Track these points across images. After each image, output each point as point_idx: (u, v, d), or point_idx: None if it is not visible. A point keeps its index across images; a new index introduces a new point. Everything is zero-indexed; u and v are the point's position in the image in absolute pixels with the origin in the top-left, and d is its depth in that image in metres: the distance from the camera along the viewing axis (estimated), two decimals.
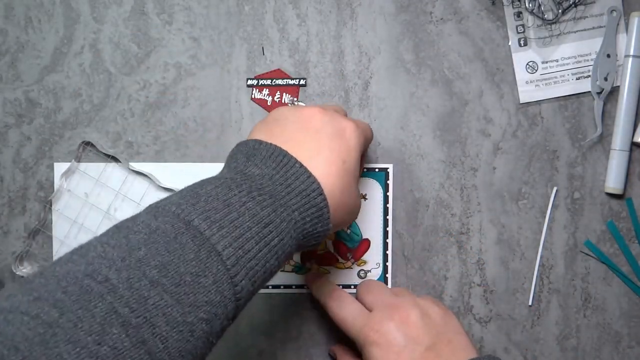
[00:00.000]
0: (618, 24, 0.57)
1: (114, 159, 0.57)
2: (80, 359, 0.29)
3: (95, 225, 0.57)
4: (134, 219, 0.37)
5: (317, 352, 0.58)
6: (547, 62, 0.57)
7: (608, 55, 0.56)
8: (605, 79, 0.56)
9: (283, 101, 0.58)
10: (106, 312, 0.31)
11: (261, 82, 0.58)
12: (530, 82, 0.57)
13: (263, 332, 0.58)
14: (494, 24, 0.58)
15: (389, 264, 0.57)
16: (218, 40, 0.58)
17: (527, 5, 0.57)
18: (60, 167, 0.57)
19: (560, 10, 0.57)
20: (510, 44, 0.57)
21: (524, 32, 0.57)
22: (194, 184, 0.41)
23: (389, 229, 0.57)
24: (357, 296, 0.53)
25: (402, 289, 0.55)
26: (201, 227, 0.37)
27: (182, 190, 0.40)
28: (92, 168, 0.58)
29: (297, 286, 0.58)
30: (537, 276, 0.57)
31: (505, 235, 0.58)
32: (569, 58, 0.57)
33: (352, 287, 0.57)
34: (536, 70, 0.57)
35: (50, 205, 0.57)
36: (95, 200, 0.57)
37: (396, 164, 0.58)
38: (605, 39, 0.57)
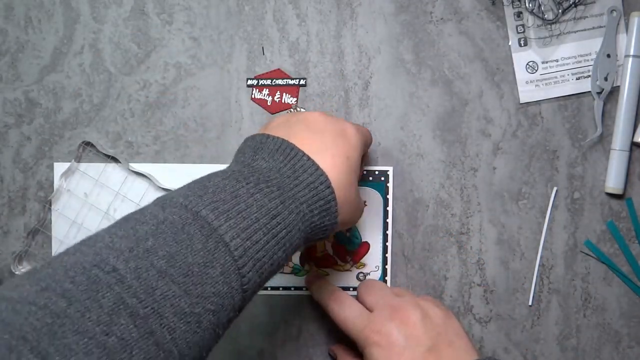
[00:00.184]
0: (618, 24, 0.57)
1: (114, 159, 0.57)
2: (88, 350, 0.29)
3: (95, 226, 0.57)
4: (142, 210, 0.37)
5: (317, 352, 0.58)
6: (547, 62, 0.57)
7: (608, 55, 0.56)
8: (605, 79, 0.56)
9: (283, 101, 0.58)
10: (114, 303, 0.31)
11: (261, 82, 0.58)
12: (530, 82, 0.57)
13: (263, 332, 0.58)
14: (494, 24, 0.58)
15: (388, 267, 0.57)
16: (218, 40, 0.58)
17: (527, 5, 0.57)
18: (60, 167, 0.57)
19: (560, 10, 0.57)
20: (510, 44, 0.57)
21: (524, 32, 0.57)
22: (202, 177, 0.41)
23: (389, 232, 0.57)
24: (358, 296, 0.53)
25: (403, 289, 0.55)
26: (209, 217, 0.37)
27: (190, 183, 0.40)
28: (92, 168, 0.58)
29: (296, 288, 0.58)
30: (537, 276, 0.57)
31: (505, 235, 0.58)
32: (569, 58, 0.57)
33: (352, 289, 0.57)
34: (536, 70, 0.57)
35: (50, 205, 0.57)
36: (94, 201, 0.57)
37: (396, 165, 0.58)
38: (605, 39, 0.57)
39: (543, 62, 0.57)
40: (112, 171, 0.58)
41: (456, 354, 0.47)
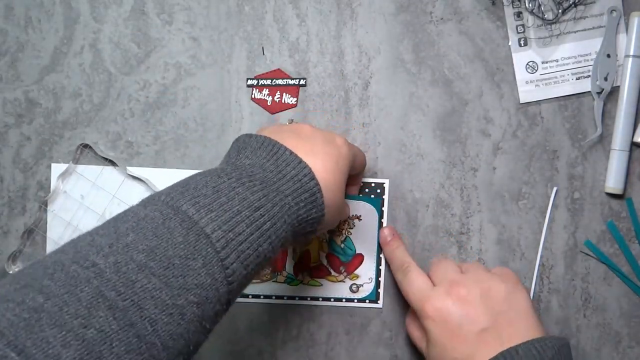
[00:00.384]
0: (618, 24, 0.57)
1: (112, 162, 0.57)
2: (66, 342, 0.29)
3: (90, 228, 0.57)
4: (125, 210, 0.38)
5: (316, 352, 0.58)
6: (547, 62, 0.57)
7: (608, 55, 0.56)
8: (605, 79, 0.56)
9: (283, 101, 0.58)
10: (92, 296, 0.31)
11: (261, 82, 0.58)
12: (530, 82, 0.57)
13: (263, 332, 0.58)
14: (494, 24, 0.58)
15: (382, 279, 0.57)
16: (218, 40, 0.58)
17: (527, 5, 0.57)
18: (57, 168, 0.57)
19: (560, 10, 0.57)
20: (510, 44, 0.57)
21: (524, 32, 0.57)
22: (186, 177, 0.41)
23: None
24: (428, 271, 0.52)
25: (475, 264, 0.52)
26: (189, 211, 0.37)
27: (174, 183, 0.40)
28: (89, 171, 0.58)
29: (289, 297, 0.58)
30: (537, 276, 0.57)
31: (505, 235, 0.58)
32: (569, 58, 0.57)
33: (344, 300, 0.57)
34: (536, 70, 0.57)
35: (46, 206, 0.57)
36: (90, 203, 0.57)
37: (393, 179, 0.58)
38: (605, 39, 0.57)
39: (543, 62, 0.57)
40: (110, 174, 0.58)
41: (517, 333, 0.46)
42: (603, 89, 0.56)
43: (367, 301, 0.57)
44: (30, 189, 0.58)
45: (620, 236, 0.57)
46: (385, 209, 0.57)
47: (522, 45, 0.57)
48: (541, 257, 0.57)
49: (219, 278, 0.36)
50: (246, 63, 0.58)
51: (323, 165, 0.44)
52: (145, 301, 0.33)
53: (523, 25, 0.57)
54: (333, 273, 0.57)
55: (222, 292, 0.37)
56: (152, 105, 0.58)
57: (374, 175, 0.58)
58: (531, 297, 0.57)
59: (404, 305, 0.57)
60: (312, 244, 0.57)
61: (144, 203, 0.38)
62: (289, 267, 0.57)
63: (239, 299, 0.58)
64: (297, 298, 0.57)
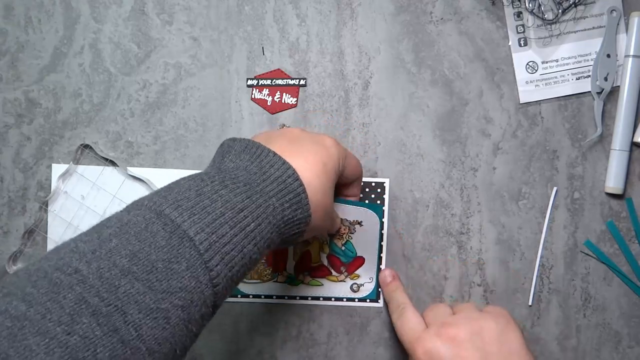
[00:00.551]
0: (618, 24, 0.57)
1: (112, 162, 0.57)
2: (50, 350, 0.29)
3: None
4: (109, 216, 0.38)
5: (316, 352, 0.58)
6: (547, 62, 0.57)
7: (608, 55, 0.56)
8: (605, 79, 0.56)
9: (283, 101, 0.58)
10: (75, 303, 0.31)
11: (261, 82, 0.58)
12: (530, 82, 0.57)
13: (263, 332, 0.58)
14: (494, 24, 0.58)
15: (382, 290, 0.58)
16: (218, 40, 0.58)
17: (527, 5, 0.57)
18: (58, 169, 0.57)
19: (560, 10, 0.57)
20: (510, 44, 0.57)
21: (524, 32, 0.57)
22: (171, 182, 0.41)
23: (383, 254, 0.57)
24: (423, 313, 0.52)
25: (468, 304, 0.52)
26: (172, 215, 0.37)
27: (158, 189, 0.40)
28: (90, 171, 0.58)
29: (290, 297, 0.58)
30: (537, 276, 0.57)
31: (505, 235, 0.58)
32: (569, 58, 0.57)
33: (345, 299, 0.57)
34: (536, 70, 0.57)
35: (47, 206, 0.57)
36: (91, 203, 0.57)
37: (393, 179, 0.58)
38: (605, 39, 0.57)
39: (543, 62, 0.57)
40: (110, 174, 0.58)
41: None
42: (603, 89, 0.56)
43: (368, 300, 0.57)
44: (30, 189, 0.58)
45: (620, 236, 0.57)
46: (385, 208, 0.57)
47: (522, 45, 0.57)
48: (541, 257, 0.57)
49: (204, 281, 0.36)
50: (246, 63, 0.58)
51: (309, 166, 0.44)
52: (129, 306, 0.32)
53: (523, 25, 0.57)
54: (334, 273, 0.57)
55: (207, 295, 0.37)
56: (152, 105, 0.58)
57: (374, 175, 0.58)
58: (531, 297, 0.57)
59: (412, 289, 0.57)
60: (312, 244, 0.57)
61: (128, 208, 0.38)
62: (289, 267, 0.57)
63: (239, 299, 0.58)
64: (297, 298, 0.57)
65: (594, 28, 0.57)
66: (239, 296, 0.58)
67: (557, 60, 0.57)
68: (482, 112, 0.58)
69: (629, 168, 0.57)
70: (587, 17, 0.57)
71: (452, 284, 0.58)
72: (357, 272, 0.57)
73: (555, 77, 0.57)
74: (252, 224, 0.40)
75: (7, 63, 0.58)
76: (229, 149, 0.44)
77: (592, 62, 0.57)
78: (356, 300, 0.57)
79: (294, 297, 0.57)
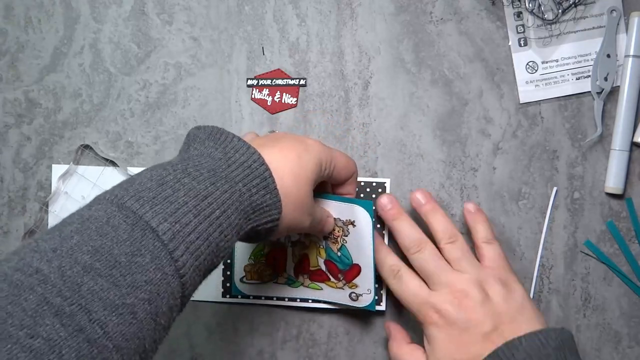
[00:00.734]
0: (618, 24, 0.57)
1: (112, 162, 0.57)
2: (13, 355, 0.29)
3: None
4: (71, 213, 0.37)
5: (316, 352, 0.58)
6: (547, 62, 0.57)
7: (608, 55, 0.56)
8: (605, 79, 0.56)
9: (283, 101, 0.58)
10: (37, 304, 0.31)
11: (261, 82, 0.58)
12: (530, 82, 0.57)
13: (263, 332, 0.58)
14: (494, 24, 0.58)
15: (384, 292, 0.56)
16: (218, 40, 0.58)
17: (527, 5, 0.57)
18: (58, 169, 0.57)
19: (560, 10, 0.57)
20: (510, 44, 0.57)
21: (524, 32, 0.57)
22: (134, 174, 0.40)
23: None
24: (414, 264, 0.52)
25: (466, 257, 0.51)
26: (133, 207, 0.36)
27: (121, 181, 0.40)
28: (90, 171, 0.58)
29: (290, 299, 0.57)
30: (537, 276, 0.57)
31: (505, 235, 0.58)
32: (569, 58, 0.57)
33: (345, 306, 0.56)
34: (536, 70, 0.57)
35: (47, 207, 0.57)
36: None
37: (393, 179, 0.58)
38: (605, 39, 0.57)
39: (543, 62, 0.57)
40: (110, 174, 0.58)
41: (519, 329, 0.47)
42: (603, 89, 0.56)
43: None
44: (30, 189, 0.58)
45: (620, 236, 0.57)
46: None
47: (522, 45, 0.57)
48: (541, 257, 0.57)
49: (169, 272, 0.36)
50: (246, 63, 0.58)
51: (280, 155, 0.44)
52: (93, 304, 0.32)
53: (523, 25, 0.57)
54: (332, 279, 0.56)
55: (174, 286, 0.36)
56: (152, 105, 0.58)
57: (374, 175, 0.58)
58: (531, 297, 0.57)
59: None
60: (310, 248, 0.56)
61: (90, 204, 0.37)
62: (289, 268, 0.57)
63: (240, 300, 0.58)
64: (298, 300, 0.57)
65: (594, 28, 0.57)
66: (239, 296, 0.58)
67: (557, 60, 0.57)
68: (482, 112, 0.58)
69: (629, 168, 0.57)
70: (587, 17, 0.57)
71: None
72: (354, 281, 0.54)
73: (555, 77, 0.57)
74: (217, 211, 0.39)
75: (7, 63, 0.58)
76: (194, 137, 0.44)
77: (592, 62, 0.57)
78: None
79: (295, 299, 0.57)
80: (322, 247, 0.55)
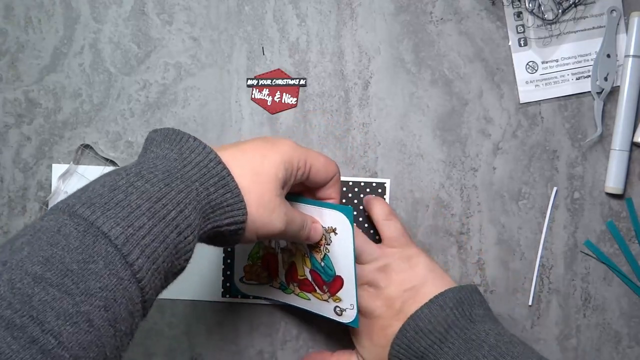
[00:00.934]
0: (618, 24, 0.57)
1: (112, 162, 0.57)
2: None
3: None
4: (25, 226, 0.37)
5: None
6: (547, 62, 0.57)
7: (608, 55, 0.56)
8: (605, 79, 0.56)
9: (283, 101, 0.58)
10: None
11: (261, 82, 0.58)
12: (530, 82, 0.57)
13: (263, 332, 0.58)
14: (494, 24, 0.58)
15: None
16: (218, 40, 0.58)
17: (527, 5, 0.57)
18: (58, 169, 0.57)
19: (560, 10, 0.57)
20: (510, 44, 0.57)
21: (524, 32, 0.57)
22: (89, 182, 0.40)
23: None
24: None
25: (362, 249, 0.53)
26: (84, 213, 0.35)
27: (75, 191, 0.39)
28: (90, 171, 0.58)
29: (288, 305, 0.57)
30: (537, 276, 0.57)
31: (505, 235, 0.58)
32: (569, 58, 0.57)
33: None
34: (536, 70, 0.57)
35: (47, 206, 0.57)
36: None
37: (393, 179, 0.58)
38: (605, 39, 0.57)
39: (543, 62, 0.57)
40: None
41: (425, 299, 0.49)
42: (603, 89, 0.56)
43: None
44: (30, 189, 0.58)
45: (620, 236, 0.57)
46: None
47: (522, 45, 0.57)
48: (541, 257, 0.57)
49: (125, 276, 0.35)
50: (246, 63, 0.58)
51: (242, 154, 0.43)
52: (46, 314, 0.31)
53: (523, 25, 0.57)
54: (318, 290, 0.53)
55: (132, 291, 0.35)
56: (152, 105, 0.58)
57: (374, 175, 0.58)
58: (531, 297, 0.57)
59: None
60: (296, 256, 0.53)
61: (43, 215, 0.37)
62: (281, 274, 0.55)
63: (240, 300, 0.58)
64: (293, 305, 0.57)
65: (594, 28, 0.57)
66: (239, 296, 0.58)
67: (557, 60, 0.57)
68: (482, 112, 0.58)
69: (629, 168, 0.57)
70: (587, 17, 0.57)
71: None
72: (338, 294, 0.52)
73: (555, 77, 0.57)
74: (173, 212, 0.38)
75: (7, 63, 0.58)
76: (152, 140, 0.43)
77: (592, 62, 0.57)
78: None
79: (290, 306, 0.57)
80: (307, 256, 0.53)
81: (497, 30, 0.58)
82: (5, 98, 0.58)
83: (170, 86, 0.58)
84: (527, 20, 0.57)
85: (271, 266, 0.56)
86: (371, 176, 0.58)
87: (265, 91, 0.58)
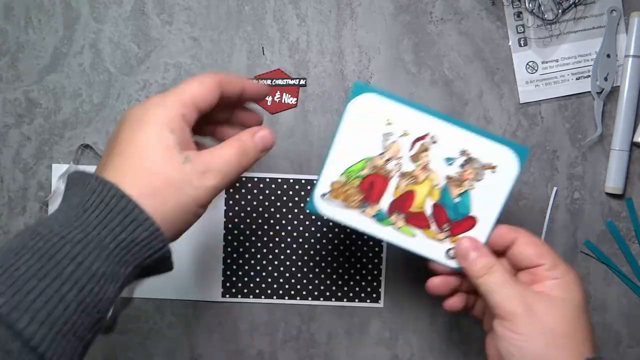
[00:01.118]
0: (618, 24, 0.57)
1: None
2: None
3: None
4: None
5: (317, 352, 0.58)
6: (547, 62, 0.57)
7: (608, 55, 0.56)
8: (605, 79, 0.56)
9: (283, 101, 0.58)
10: None
11: (261, 82, 0.58)
12: (530, 82, 0.57)
13: (263, 332, 0.58)
14: (494, 24, 0.58)
15: (382, 278, 0.54)
16: (218, 40, 0.58)
17: (527, 5, 0.57)
18: (58, 169, 0.57)
19: (560, 10, 0.57)
20: (510, 44, 0.57)
21: (524, 32, 0.57)
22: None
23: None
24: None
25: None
26: None
27: None
28: (90, 170, 0.58)
29: (290, 297, 0.57)
30: None
31: None
32: (569, 58, 0.57)
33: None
34: (536, 70, 0.57)
35: (47, 206, 0.57)
36: None
37: None
38: (605, 39, 0.57)
39: (543, 62, 0.57)
40: None
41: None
42: (603, 89, 0.56)
43: (368, 301, 0.53)
44: (30, 189, 0.58)
45: (620, 236, 0.57)
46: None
47: (522, 45, 0.57)
48: None
49: (15, 348, 0.32)
50: (246, 63, 0.58)
51: (128, 158, 0.38)
52: None
53: (523, 25, 0.57)
54: (433, 228, 0.46)
55: None
56: None
57: None
58: None
59: (412, 289, 0.57)
60: (422, 184, 0.46)
61: None
62: (384, 201, 0.46)
63: (240, 300, 0.58)
64: (297, 298, 0.57)
65: (594, 28, 0.57)
66: (239, 296, 0.58)
67: (557, 60, 0.57)
68: (482, 112, 0.58)
69: (629, 168, 0.57)
70: (587, 17, 0.57)
71: None
72: (461, 235, 0.46)
73: (555, 77, 0.57)
74: (70, 266, 0.34)
75: (7, 63, 0.58)
76: (66, 186, 0.40)
77: (592, 62, 0.57)
78: (361, 301, 0.55)
79: (294, 297, 0.57)
80: (438, 187, 0.46)
81: (497, 30, 0.58)
82: (5, 98, 0.58)
83: (170, 86, 0.58)
84: (527, 20, 0.57)
85: (375, 190, 0.46)
86: None
87: None
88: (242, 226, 0.58)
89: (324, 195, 0.46)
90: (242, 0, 0.58)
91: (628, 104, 0.56)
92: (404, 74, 0.58)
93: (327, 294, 0.58)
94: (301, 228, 0.58)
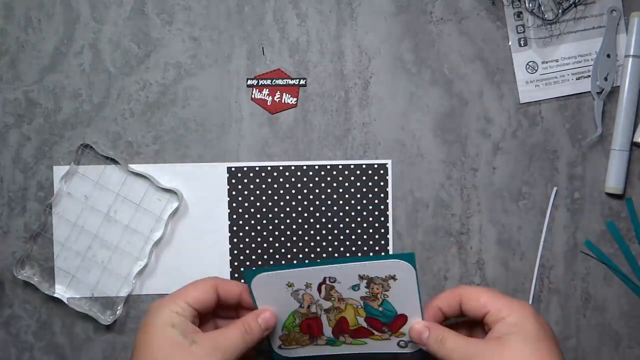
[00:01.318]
0: (618, 24, 0.57)
1: (113, 161, 0.57)
2: None
3: (96, 228, 0.57)
4: None
5: None
6: (547, 62, 0.57)
7: (608, 55, 0.56)
8: (605, 79, 0.56)
9: (283, 101, 0.58)
10: None
11: (261, 82, 0.58)
12: (530, 82, 0.57)
13: None
14: (494, 24, 0.58)
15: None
16: (218, 40, 0.58)
17: (527, 5, 0.57)
18: (59, 170, 0.57)
19: (560, 10, 0.57)
20: (510, 44, 0.57)
21: (524, 32, 0.57)
22: None
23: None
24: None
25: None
26: None
27: None
28: (91, 170, 0.58)
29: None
30: (537, 276, 0.57)
31: (505, 235, 0.58)
32: (569, 58, 0.57)
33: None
34: (536, 70, 0.57)
35: (50, 209, 0.57)
36: (95, 203, 0.57)
37: (395, 162, 0.58)
38: (605, 39, 0.57)
39: (543, 62, 0.57)
40: (112, 173, 0.58)
41: None
42: (603, 89, 0.56)
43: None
44: (30, 189, 0.58)
45: (620, 236, 0.57)
46: (389, 189, 0.57)
47: (522, 45, 0.57)
48: (541, 257, 0.57)
49: None
50: (246, 63, 0.58)
51: None
52: None
53: (523, 25, 0.57)
54: (376, 333, 0.52)
55: None
56: (152, 105, 0.58)
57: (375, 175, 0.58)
58: (531, 297, 0.57)
59: None
60: (346, 311, 0.51)
61: None
62: (326, 332, 0.52)
63: None
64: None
65: (594, 28, 0.57)
66: None
67: (557, 60, 0.57)
68: (482, 112, 0.58)
69: (629, 168, 0.57)
70: (587, 17, 0.57)
71: (452, 284, 0.58)
72: (401, 330, 0.51)
73: (555, 77, 0.57)
74: None
75: (7, 63, 0.58)
76: None
77: (592, 62, 0.57)
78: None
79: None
80: (359, 307, 0.51)
81: (497, 30, 0.58)
82: (5, 98, 0.58)
83: (170, 86, 0.58)
84: (527, 20, 0.57)
85: (314, 329, 0.53)
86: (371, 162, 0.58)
87: (265, 91, 0.58)
88: (247, 228, 0.58)
89: (280, 346, 0.54)
90: (242, 0, 0.58)
91: (628, 104, 0.56)
92: (404, 74, 0.58)
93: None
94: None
